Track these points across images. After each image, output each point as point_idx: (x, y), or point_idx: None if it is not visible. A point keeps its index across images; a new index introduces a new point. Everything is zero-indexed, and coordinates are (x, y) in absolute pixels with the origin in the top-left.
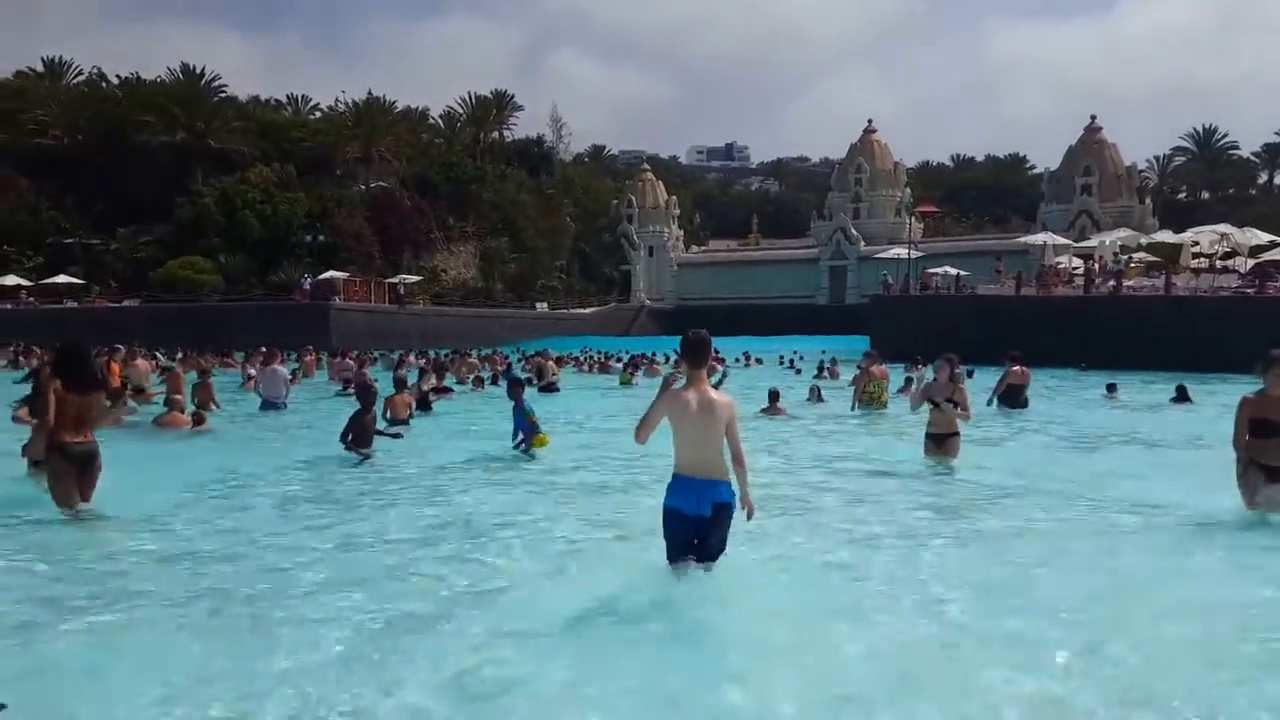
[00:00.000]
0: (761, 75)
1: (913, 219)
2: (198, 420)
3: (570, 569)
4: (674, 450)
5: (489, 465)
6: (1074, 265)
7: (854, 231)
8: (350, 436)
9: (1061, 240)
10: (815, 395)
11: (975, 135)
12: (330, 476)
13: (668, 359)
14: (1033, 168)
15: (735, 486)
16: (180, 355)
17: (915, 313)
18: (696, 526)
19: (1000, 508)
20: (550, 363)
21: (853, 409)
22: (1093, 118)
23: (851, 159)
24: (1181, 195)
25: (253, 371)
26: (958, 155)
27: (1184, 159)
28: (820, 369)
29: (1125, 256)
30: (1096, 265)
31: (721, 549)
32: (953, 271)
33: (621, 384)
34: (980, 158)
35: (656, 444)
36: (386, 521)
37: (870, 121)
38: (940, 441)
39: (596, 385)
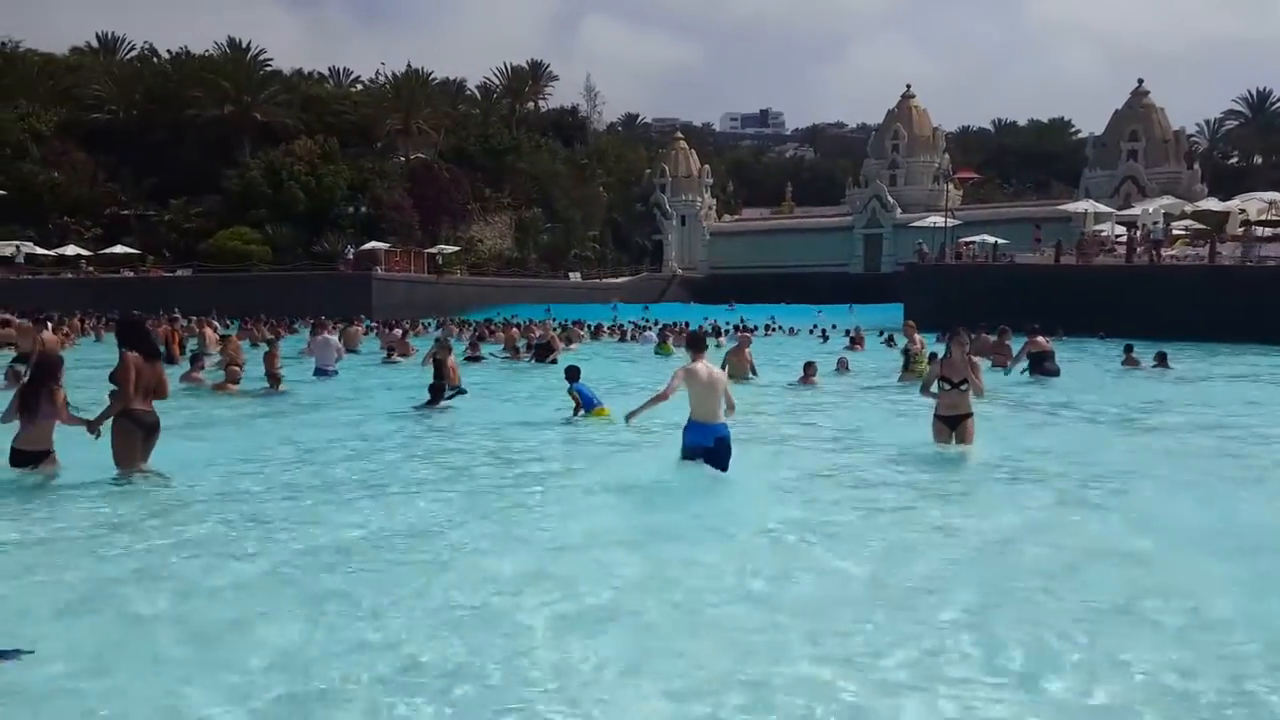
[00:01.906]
0: (797, 40)
1: (950, 186)
2: (274, 381)
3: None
4: (690, 405)
5: (520, 430)
6: (1117, 233)
7: (890, 199)
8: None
9: (1104, 208)
10: (843, 366)
11: (1018, 99)
12: (381, 435)
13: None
14: (1077, 132)
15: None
16: (244, 324)
17: (950, 282)
18: (705, 452)
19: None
20: (553, 335)
21: (900, 380)
22: (1139, 81)
23: (889, 125)
24: (1233, 160)
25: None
26: (999, 120)
27: (1236, 123)
28: (851, 340)
29: (1156, 225)
30: (1138, 233)
31: (727, 463)
32: (990, 240)
33: (659, 353)
34: (1023, 122)
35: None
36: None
37: (909, 86)
38: (954, 424)
39: (632, 355)
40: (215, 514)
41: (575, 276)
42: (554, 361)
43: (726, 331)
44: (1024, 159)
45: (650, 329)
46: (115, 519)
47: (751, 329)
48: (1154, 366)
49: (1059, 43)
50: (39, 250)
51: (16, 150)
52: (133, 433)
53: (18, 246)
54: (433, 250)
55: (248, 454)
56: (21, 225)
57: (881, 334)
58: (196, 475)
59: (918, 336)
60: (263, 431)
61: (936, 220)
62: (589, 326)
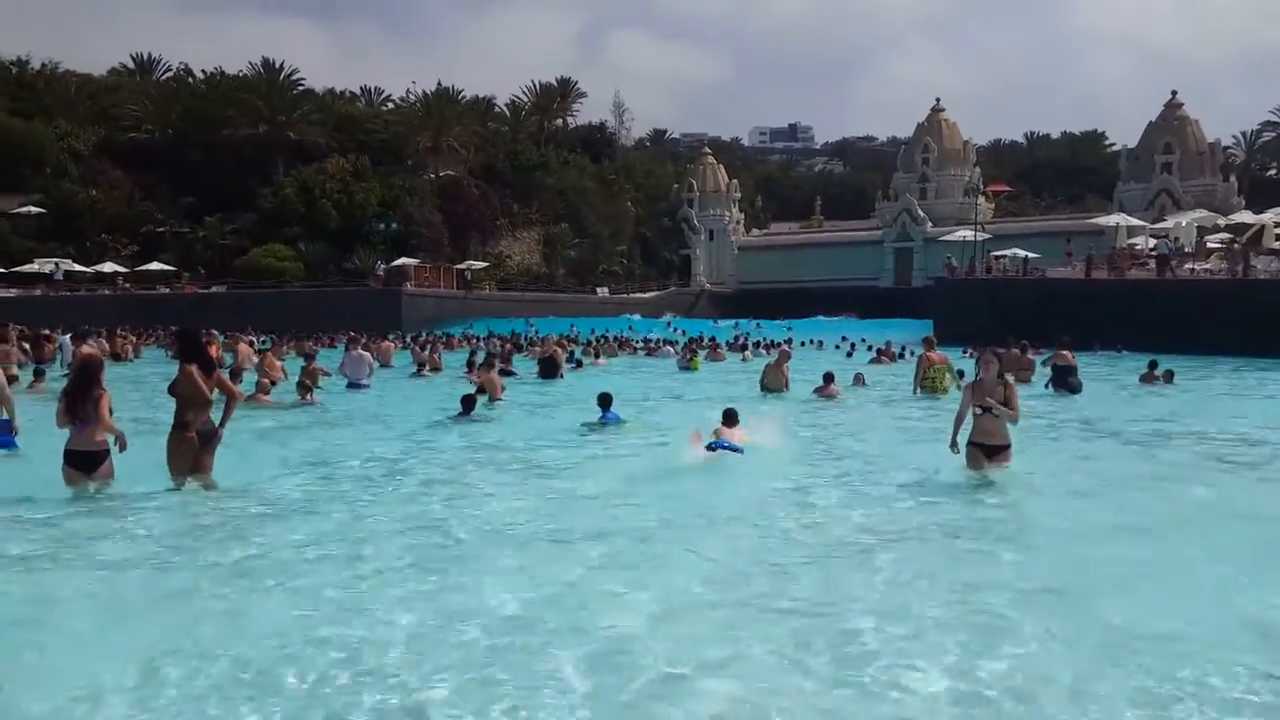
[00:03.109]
0: (825, 54)
1: (982, 199)
2: (305, 391)
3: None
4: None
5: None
6: (1150, 247)
7: (920, 213)
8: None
9: (1136, 221)
10: (859, 381)
11: (1050, 111)
12: (413, 445)
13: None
14: (1111, 144)
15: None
16: (276, 340)
17: (980, 296)
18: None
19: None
20: (556, 350)
21: (915, 393)
22: (1173, 93)
23: (918, 138)
24: (1271, 172)
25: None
26: (1031, 132)
27: (1274, 134)
28: (877, 354)
29: (1164, 240)
30: (1169, 247)
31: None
32: (1021, 253)
33: (686, 369)
34: (1055, 134)
35: None
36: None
37: (938, 100)
38: (991, 454)
39: (654, 368)
40: (268, 515)
41: (603, 291)
42: (560, 377)
43: (759, 344)
44: (1057, 172)
45: (671, 344)
46: (174, 529)
47: (785, 342)
48: (1162, 383)
49: (1092, 54)
50: (77, 267)
51: (56, 169)
52: (189, 446)
53: (56, 263)
54: (462, 266)
55: (290, 460)
56: (61, 243)
57: (902, 349)
58: (242, 481)
59: (933, 354)
60: (301, 439)
61: (967, 234)
62: (613, 339)
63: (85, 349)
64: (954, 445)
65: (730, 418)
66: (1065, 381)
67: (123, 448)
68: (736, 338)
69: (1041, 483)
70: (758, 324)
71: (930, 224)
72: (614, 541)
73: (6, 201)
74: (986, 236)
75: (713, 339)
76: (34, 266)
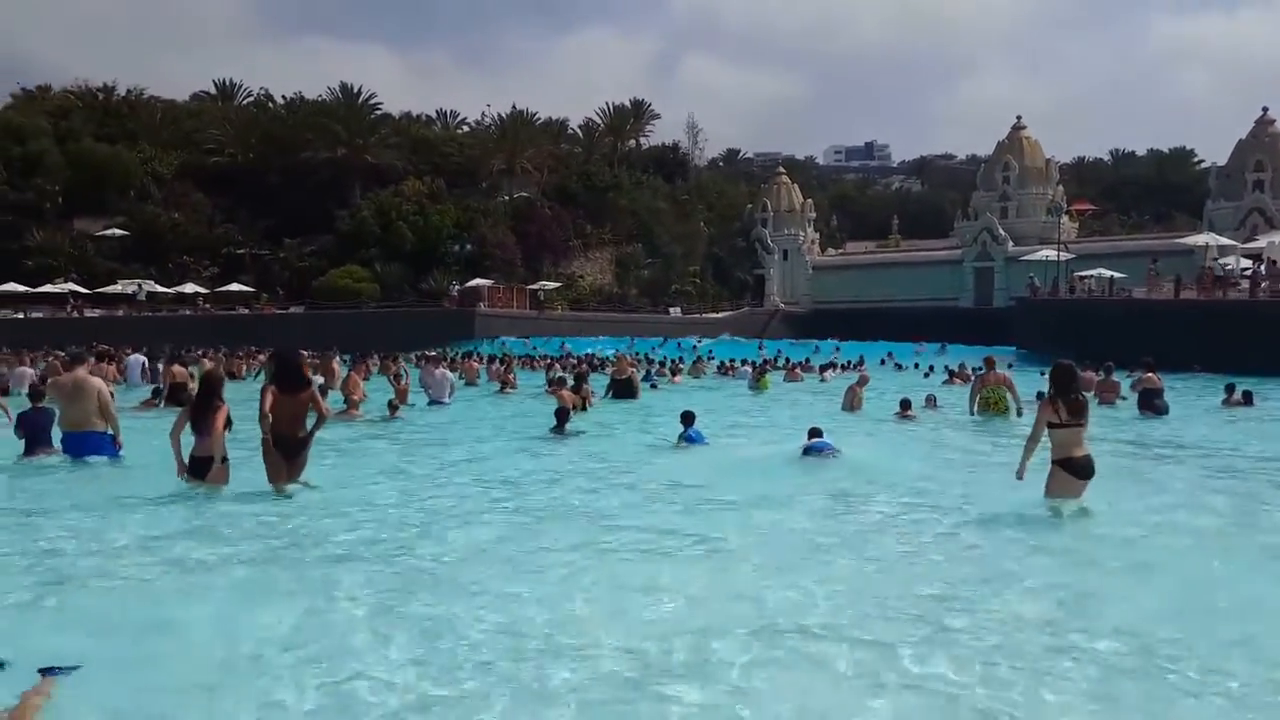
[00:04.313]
0: (903, 71)
1: (1065, 218)
2: (393, 409)
3: None
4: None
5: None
6: (1242, 267)
7: (1001, 231)
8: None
9: (1226, 240)
10: (931, 403)
11: (1136, 128)
12: (487, 459)
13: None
14: (1200, 161)
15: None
16: (356, 360)
17: (1064, 317)
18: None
19: None
20: (633, 371)
21: (971, 413)
22: (1264, 109)
23: (999, 156)
24: None
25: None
26: (1117, 150)
27: None
28: (950, 375)
29: (1218, 262)
30: (1263, 267)
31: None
32: (1106, 273)
33: (754, 389)
34: (1142, 151)
35: None
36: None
37: (1019, 117)
38: (1081, 470)
39: (729, 389)
40: (357, 519)
41: (675, 311)
42: (634, 397)
43: (840, 366)
44: (1144, 190)
45: (752, 364)
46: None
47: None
48: (1239, 404)
49: (1179, 69)
50: (159, 288)
51: (140, 192)
52: (273, 453)
53: (140, 284)
54: (535, 286)
55: (375, 471)
56: (144, 264)
57: (961, 367)
58: (336, 488)
59: (993, 374)
60: (387, 452)
61: (1049, 253)
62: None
63: (206, 365)
64: (1022, 472)
65: (816, 433)
66: (1151, 404)
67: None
68: (797, 361)
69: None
70: (837, 346)
71: (1011, 243)
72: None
73: (92, 224)
74: (1070, 256)
75: (789, 360)
76: (118, 287)
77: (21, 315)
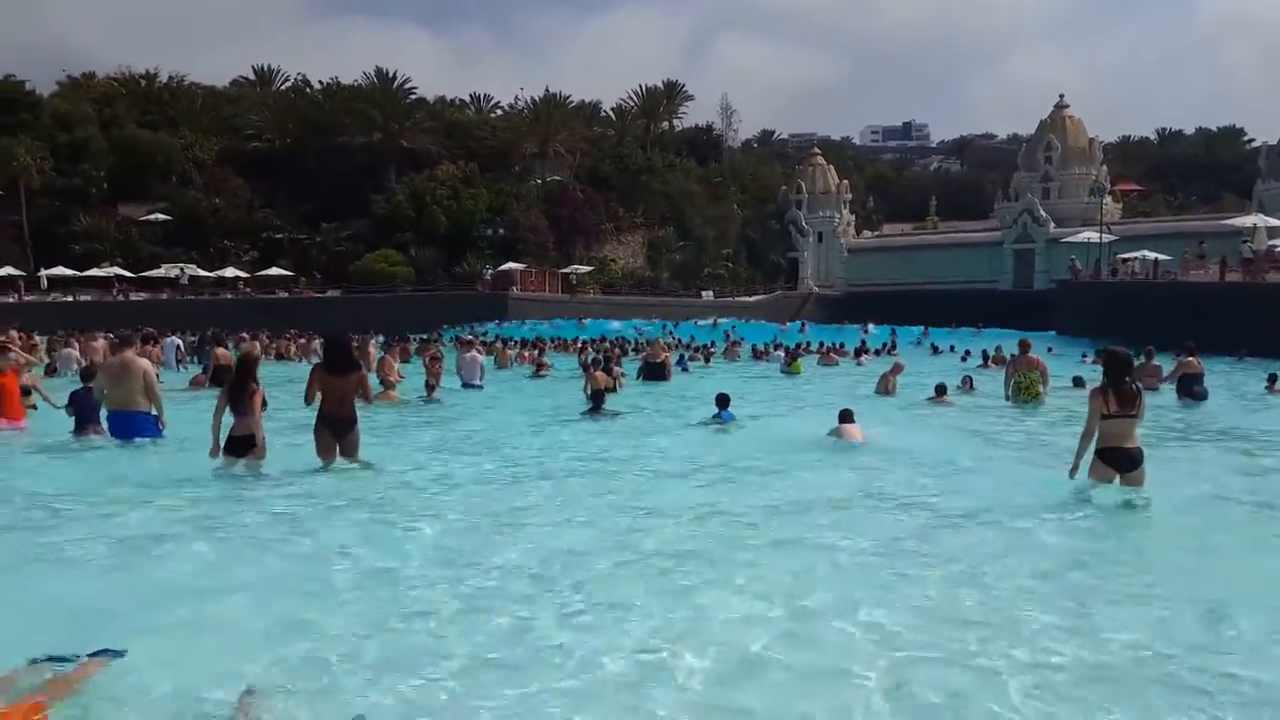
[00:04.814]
0: (942, 49)
1: (1109, 199)
2: (430, 389)
3: None
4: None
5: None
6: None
7: (1042, 213)
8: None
9: (1275, 221)
10: (967, 385)
11: (1184, 106)
12: (506, 440)
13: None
14: (1250, 140)
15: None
16: (391, 343)
17: (1106, 300)
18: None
19: None
20: (666, 356)
21: (1006, 398)
22: None
23: (1041, 136)
24: None
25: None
26: (1163, 128)
27: None
28: (984, 359)
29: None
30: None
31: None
32: (1150, 256)
33: (787, 372)
34: (1190, 130)
35: None
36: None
37: (1061, 96)
38: (1122, 461)
39: (759, 373)
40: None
41: (708, 295)
42: (666, 379)
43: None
44: (1191, 170)
45: (785, 348)
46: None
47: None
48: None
49: (1228, 45)
50: (201, 272)
51: (181, 178)
52: (324, 434)
53: (182, 268)
54: (567, 270)
55: (417, 449)
56: (186, 248)
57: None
58: (381, 464)
59: (1027, 358)
60: (428, 431)
61: (1092, 235)
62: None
63: (244, 347)
64: (1075, 470)
65: (847, 416)
66: (1190, 390)
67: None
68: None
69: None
70: (866, 328)
71: (1053, 225)
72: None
73: (136, 209)
74: (1113, 238)
75: (823, 344)
76: (161, 271)
77: (71, 298)
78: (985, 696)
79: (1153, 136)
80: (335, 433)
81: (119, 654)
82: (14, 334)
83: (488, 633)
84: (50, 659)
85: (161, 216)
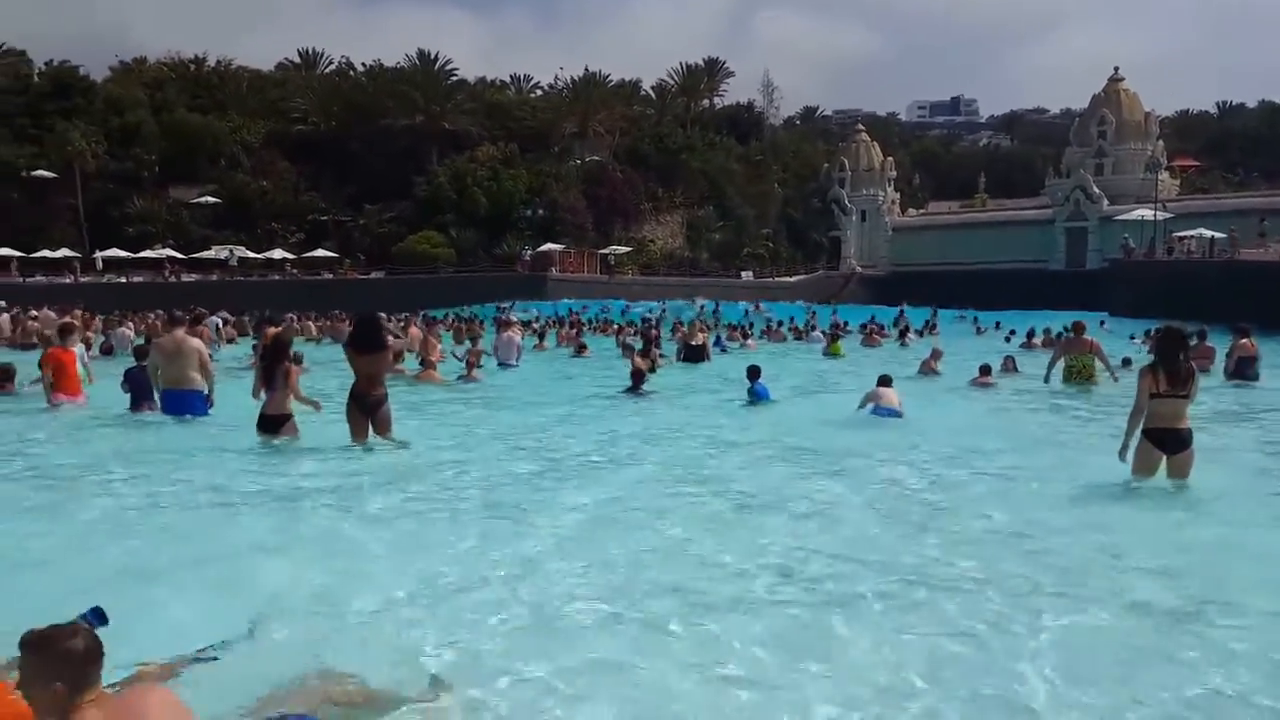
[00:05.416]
0: (992, 21)
1: (1165, 175)
2: (470, 369)
3: None
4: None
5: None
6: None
7: (1095, 190)
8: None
9: None
10: (1010, 365)
11: (1245, 78)
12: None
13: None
14: None
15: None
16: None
17: (1159, 279)
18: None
19: None
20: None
21: (1046, 380)
22: None
23: (1094, 110)
24: None
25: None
26: (1224, 101)
27: None
28: (1029, 336)
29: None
30: None
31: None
32: (1207, 234)
33: (829, 354)
34: (1252, 103)
35: None
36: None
37: (1116, 69)
38: (1168, 442)
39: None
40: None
41: (747, 275)
42: (706, 359)
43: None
44: (1252, 145)
45: (815, 330)
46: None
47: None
48: None
49: None
50: (249, 254)
51: (230, 161)
52: (356, 412)
53: (231, 250)
54: (605, 251)
55: (457, 428)
56: (234, 230)
57: (1059, 334)
58: (416, 443)
59: (1081, 339)
60: (469, 410)
61: (1146, 213)
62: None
63: (272, 329)
64: (1124, 451)
65: (885, 381)
66: (1243, 372)
67: (318, 409)
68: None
69: None
70: (902, 310)
71: (1106, 202)
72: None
73: (186, 191)
74: (1168, 215)
75: (875, 323)
76: (210, 253)
77: (124, 279)
78: None
79: (1212, 109)
80: (364, 411)
81: (207, 658)
82: (78, 313)
83: (524, 601)
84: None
85: (211, 199)
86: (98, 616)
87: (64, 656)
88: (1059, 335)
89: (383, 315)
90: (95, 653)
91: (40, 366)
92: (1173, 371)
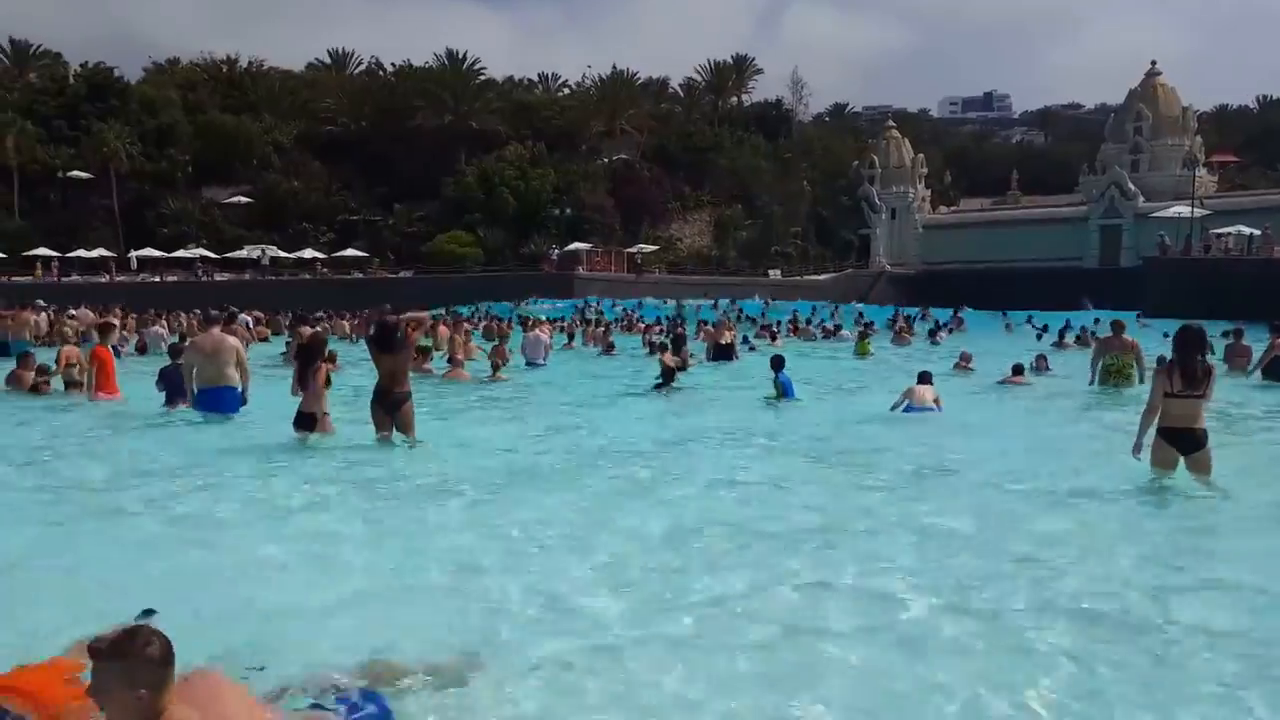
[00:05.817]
0: (1025, 14)
1: (1203, 171)
2: (495, 369)
3: None
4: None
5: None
6: None
7: (1131, 187)
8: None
9: None
10: (1042, 364)
11: None
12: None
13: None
14: None
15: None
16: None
17: (1196, 278)
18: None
19: None
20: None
21: (1090, 383)
22: None
23: (1130, 105)
24: None
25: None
26: (1264, 96)
27: None
28: (1061, 335)
29: None
30: None
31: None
32: (1245, 231)
33: (858, 354)
34: None
35: None
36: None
37: (1154, 63)
38: (1182, 441)
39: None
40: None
41: (775, 274)
42: (734, 358)
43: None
44: None
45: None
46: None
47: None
48: None
49: None
50: (281, 253)
51: (262, 161)
52: (378, 409)
53: (263, 250)
54: (633, 250)
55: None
56: (266, 230)
57: (1093, 333)
58: (442, 439)
59: (1120, 339)
60: (495, 408)
61: (1183, 210)
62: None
63: (306, 330)
64: (1138, 448)
65: (925, 378)
66: (1277, 373)
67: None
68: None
69: None
70: (924, 312)
71: (1142, 199)
72: None
73: (220, 192)
74: (1205, 213)
75: (904, 318)
76: (243, 253)
77: (158, 279)
78: None
79: (1253, 104)
80: (385, 408)
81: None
82: (119, 311)
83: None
84: None
85: (244, 199)
86: (148, 616)
87: (144, 663)
88: (1093, 334)
89: (389, 307)
90: (169, 654)
91: (57, 360)
92: (1187, 370)
